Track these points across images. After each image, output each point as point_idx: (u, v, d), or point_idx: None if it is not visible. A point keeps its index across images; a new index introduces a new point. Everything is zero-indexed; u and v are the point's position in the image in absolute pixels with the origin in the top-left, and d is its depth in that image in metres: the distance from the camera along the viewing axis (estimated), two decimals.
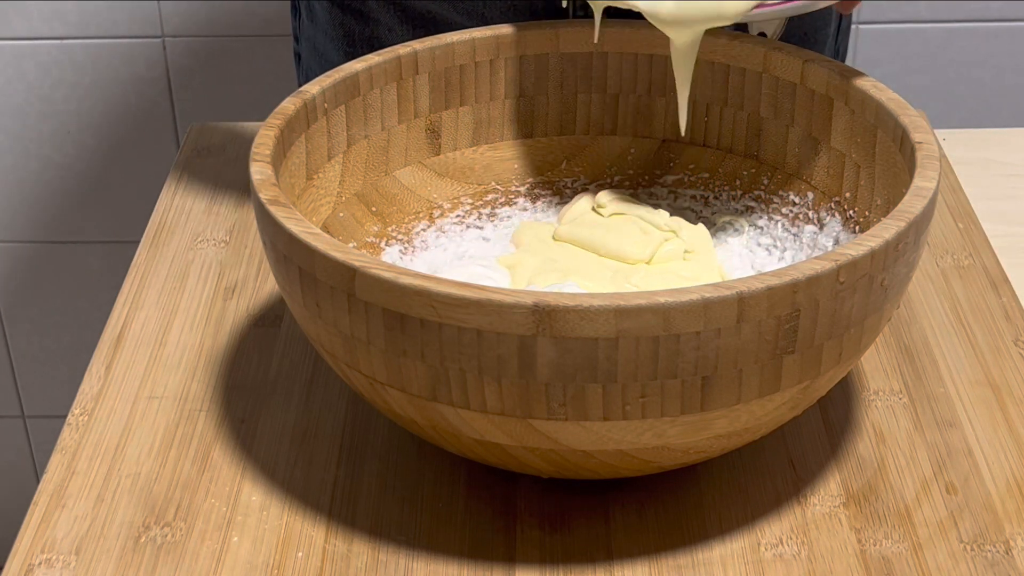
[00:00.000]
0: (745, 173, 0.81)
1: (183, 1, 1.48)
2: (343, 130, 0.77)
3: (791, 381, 0.63)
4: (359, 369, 0.65)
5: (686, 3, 0.73)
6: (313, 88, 0.75)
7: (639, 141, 0.84)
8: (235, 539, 0.68)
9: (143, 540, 0.68)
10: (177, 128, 1.55)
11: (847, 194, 0.76)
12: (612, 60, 0.82)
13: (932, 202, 0.66)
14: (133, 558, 0.67)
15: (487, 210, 0.83)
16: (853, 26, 1.48)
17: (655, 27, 0.75)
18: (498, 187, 0.84)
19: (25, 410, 1.74)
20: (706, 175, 0.83)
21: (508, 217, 0.83)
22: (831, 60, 0.77)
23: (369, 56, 0.78)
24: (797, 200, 0.79)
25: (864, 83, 0.75)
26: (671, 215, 0.80)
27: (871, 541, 0.68)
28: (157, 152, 1.55)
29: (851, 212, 0.75)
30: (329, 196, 0.77)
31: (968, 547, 0.67)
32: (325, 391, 0.77)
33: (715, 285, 0.59)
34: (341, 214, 0.78)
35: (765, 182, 0.81)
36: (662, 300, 0.59)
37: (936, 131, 0.99)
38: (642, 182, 0.84)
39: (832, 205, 0.77)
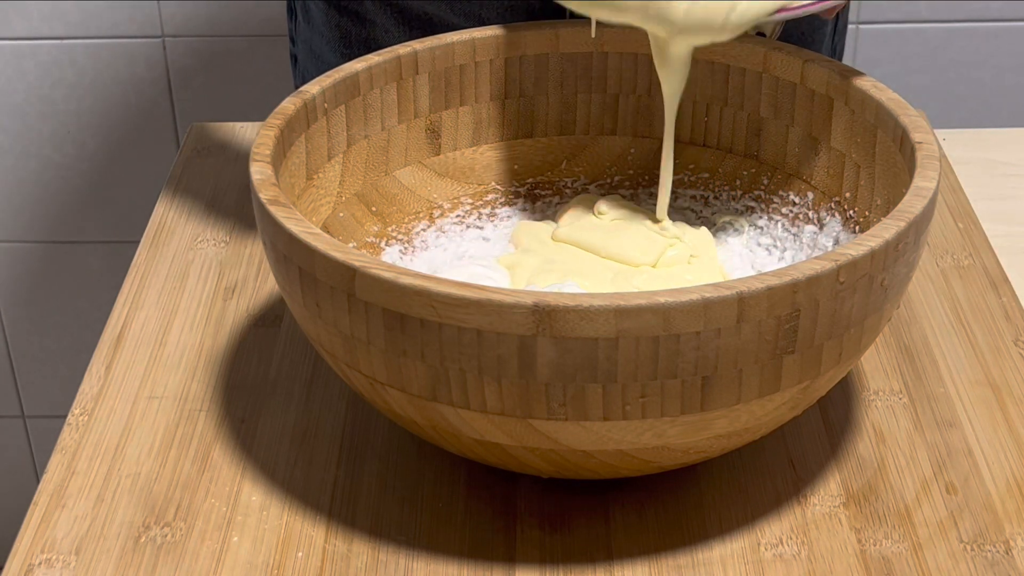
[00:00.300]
0: (745, 173, 0.81)
1: (183, 1, 1.48)
2: (343, 130, 0.77)
3: (791, 381, 0.63)
4: (359, 369, 0.65)
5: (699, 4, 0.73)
6: (313, 88, 0.75)
7: (639, 141, 0.84)
8: (235, 539, 0.68)
9: (143, 540, 0.68)
10: (177, 128, 1.55)
11: (847, 194, 0.76)
12: (612, 60, 0.82)
13: (932, 202, 0.66)
14: (133, 558, 0.67)
15: (487, 210, 0.83)
16: (853, 26, 1.48)
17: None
18: (498, 187, 0.84)
19: (25, 410, 1.74)
20: (706, 175, 0.83)
21: (508, 217, 0.83)
22: (831, 60, 0.77)
23: (369, 56, 0.78)
24: (797, 200, 0.79)
25: (864, 83, 0.75)
26: (672, 218, 0.80)
27: (871, 541, 0.68)
28: (157, 152, 1.55)
29: (851, 212, 0.76)
30: (329, 196, 0.77)
31: (968, 547, 0.67)
32: (325, 391, 0.77)
33: (715, 285, 0.59)
34: (341, 214, 0.78)
35: (765, 182, 0.81)
36: (662, 300, 0.59)
37: (936, 131, 0.99)
38: (642, 182, 0.84)
39: (832, 205, 0.77)
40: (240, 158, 0.99)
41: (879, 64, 1.50)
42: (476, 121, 0.82)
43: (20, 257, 1.63)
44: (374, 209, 0.79)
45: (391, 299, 0.61)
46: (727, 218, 0.81)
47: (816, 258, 0.61)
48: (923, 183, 0.66)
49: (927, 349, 0.80)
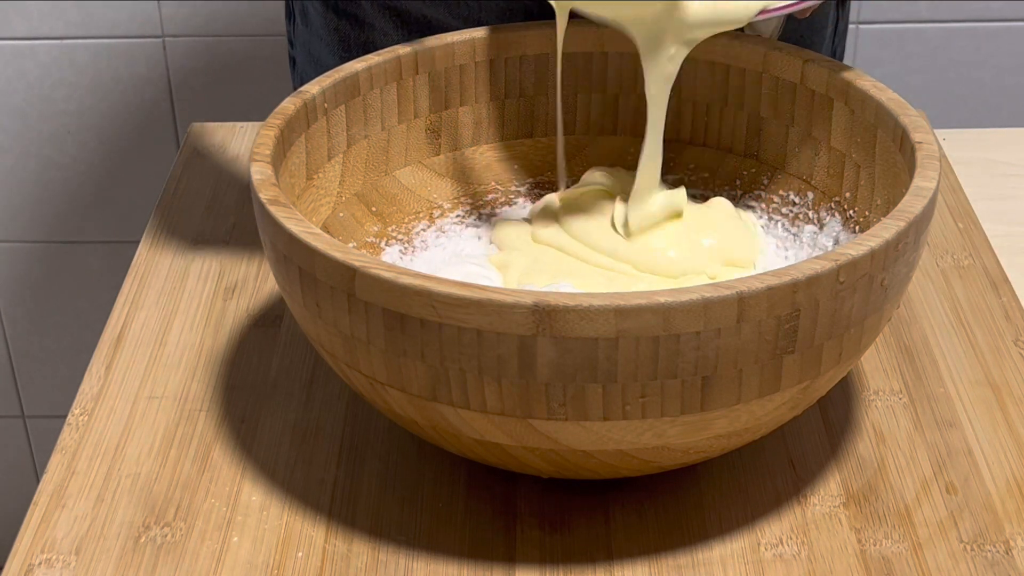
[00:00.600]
0: (745, 173, 0.81)
1: (183, 1, 1.48)
2: (343, 130, 0.77)
3: (791, 381, 0.63)
4: (359, 369, 0.65)
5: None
6: (313, 88, 0.75)
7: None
8: (235, 539, 0.68)
9: (143, 540, 0.68)
10: (177, 128, 1.55)
11: (847, 194, 0.76)
12: (612, 60, 0.82)
13: (932, 202, 0.66)
14: (133, 558, 0.67)
15: (487, 210, 0.83)
16: (853, 26, 1.48)
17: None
18: (498, 187, 0.84)
19: (25, 410, 1.74)
20: (706, 175, 0.83)
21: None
22: (831, 60, 0.77)
23: (369, 56, 0.78)
24: (797, 200, 0.79)
25: (864, 83, 0.75)
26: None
27: (871, 541, 0.68)
28: (157, 152, 1.55)
29: (851, 212, 0.76)
30: (329, 196, 0.77)
31: (968, 547, 0.67)
32: (325, 391, 0.77)
33: (715, 285, 0.59)
34: (341, 214, 0.78)
35: (765, 182, 0.81)
36: (662, 300, 0.59)
37: (936, 131, 0.99)
38: None
39: (832, 205, 0.77)
40: (240, 158, 0.99)
41: (879, 64, 1.50)
42: (476, 121, 0.82)
43: (20, 257, 1.63)
44: (374, 209, 0.79)
45: (391, 299, 0.61)
46: None
47: (816, 258, 0.61)
48: (923, 183, 0.66)
49: (927, 349, 0.80)
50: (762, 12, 0.73)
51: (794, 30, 0.93)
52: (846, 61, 1.27)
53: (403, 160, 0.81)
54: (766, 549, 0.67)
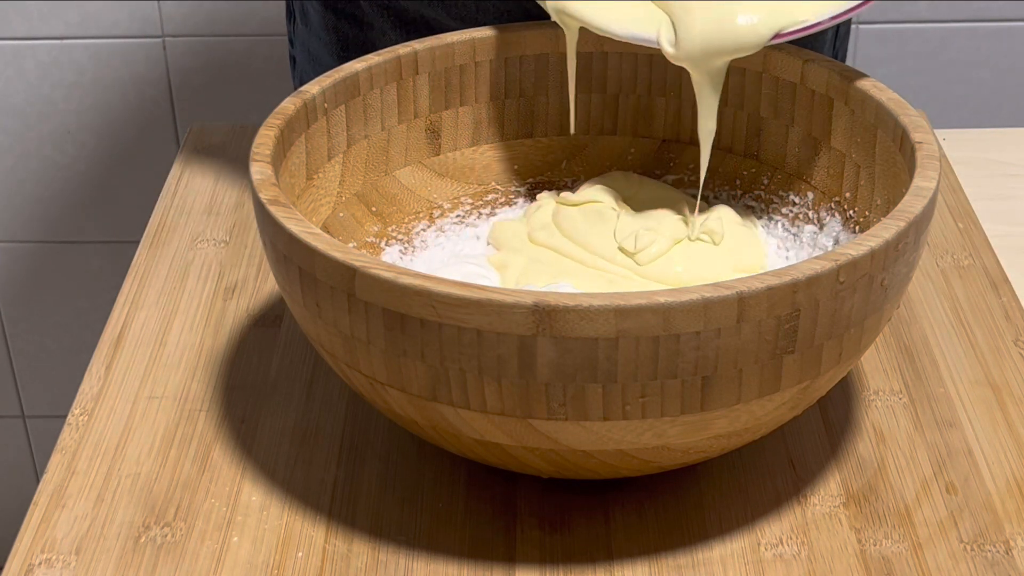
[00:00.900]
0: (745, 173, 0.81)
1: (183, 1, 1.48)
2: (343, 130, 0.77)
3: (791, 381, 0.63)
4: (359, 369, 0.65)
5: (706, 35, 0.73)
6: (313, 88, 0.75)
7: (639, 141, 0.84)
8: (235, 539, 0.68)
9: (143, 540, 0.68)
10: (177, 128, 1.55)
11: (847, 194, 0.76)
12: (612, 60, 0.82)
13: (932, 202, 0.66)
14: (133, 558, 0.67)
15: (487, 210, 0.83)
16: (853, 26, 1.48)
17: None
18: (498, 187, 0.84)
19: (25, 410, 1.74)
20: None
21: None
22: (831, 60, 0.77)
23: (369, 56, 0.78)
24: (797, 200, 0.79)
25: (864, 83, 0.75)
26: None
27: (871, 541, 0.68)
28: (157, 152, 1.55)
29: (851, 212, 0.76)
30: (329, 196, 0.77)
31: (968, 547, 0.67)
32: (325, 391, 0.77)
33: (715, 285, 0.59)
34: (341, 214, 0.78)
35: (765, 182, 0.81)
36: (662, 300, 0.59)
37: (936, 131, 0.99)
38: None
39: (832, 205, 0.77)
40: (240, 158, 0.99)
41: (879, 64, 1.50)
42: (476, 121, 0.82)
43: (20, 257, 1.63)
44: (374, 209, 0.79)
45: (391, 299, 0.61)
46: None
47: (816, 258, 0.61)
48: (923, 183, 0.66)
49: (927, 349, 0.80)
50: (777, 36, 0.73)
51: None
52: (846, 62, 1.27)
53: (403, 160, 0.81)
54: (766, 549, 0.67)
